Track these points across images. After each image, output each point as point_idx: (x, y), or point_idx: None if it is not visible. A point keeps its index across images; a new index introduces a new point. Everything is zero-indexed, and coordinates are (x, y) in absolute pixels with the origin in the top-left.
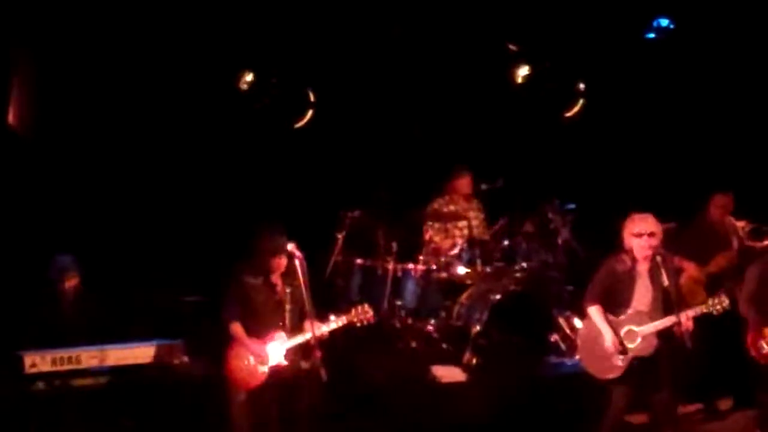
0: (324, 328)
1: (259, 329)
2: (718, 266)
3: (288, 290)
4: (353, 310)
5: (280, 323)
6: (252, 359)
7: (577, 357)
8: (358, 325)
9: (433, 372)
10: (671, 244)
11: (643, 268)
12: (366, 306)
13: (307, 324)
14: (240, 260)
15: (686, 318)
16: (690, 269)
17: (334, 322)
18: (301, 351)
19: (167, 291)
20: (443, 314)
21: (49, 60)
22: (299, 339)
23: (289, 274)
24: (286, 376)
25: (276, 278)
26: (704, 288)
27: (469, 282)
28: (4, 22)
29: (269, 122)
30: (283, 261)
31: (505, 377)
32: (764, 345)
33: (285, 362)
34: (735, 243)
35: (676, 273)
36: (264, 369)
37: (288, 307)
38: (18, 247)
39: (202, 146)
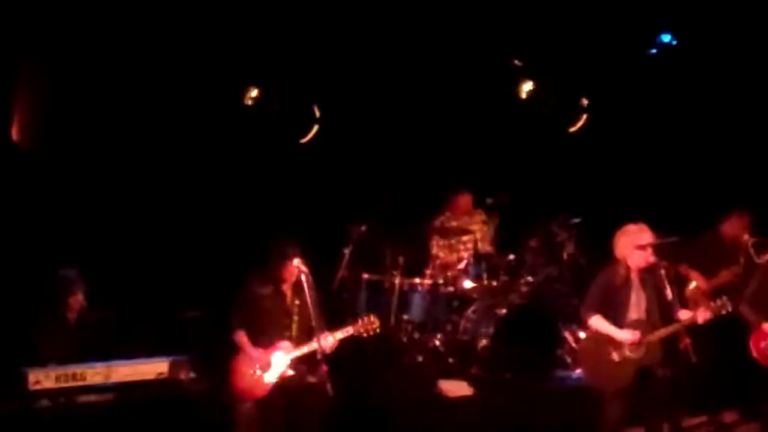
0: (330, 339)
1: (265, 338)
2: (723, 280)
3: (297, 302)
4: (359, 321)
5: (287, 333)
6: (257, 369)
7: (579, 370)
8: (365, 335)
9: (439, 386)
10: (676, 257)
11: (635, 277)
12: (372, 317)
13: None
14: (251, 270)
15: (687, 322)
16: (697, 279)
17: (341, 332)
18: (308, 364)
19: (170, 306)
20: (449, 328)
21: (54, 75)
22: (305, 349)
23: (298, 286)
24: (292, 387)
25: (286, 288)
26: (710, 300)
27: (475, 296)
28: (10, 36)
29: (275, 137)
30: (294, 269)
31: (512, 391)
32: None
33: (290, 372)
34: (742, 259)
35: (681, 284)
36: (270, 379)
37: (296, 317)
38: (21, 263)
39: (207, 161)
